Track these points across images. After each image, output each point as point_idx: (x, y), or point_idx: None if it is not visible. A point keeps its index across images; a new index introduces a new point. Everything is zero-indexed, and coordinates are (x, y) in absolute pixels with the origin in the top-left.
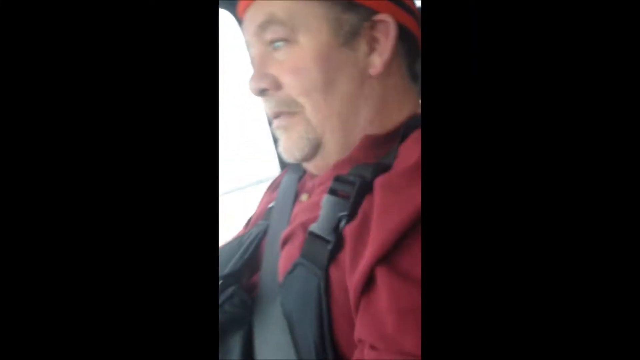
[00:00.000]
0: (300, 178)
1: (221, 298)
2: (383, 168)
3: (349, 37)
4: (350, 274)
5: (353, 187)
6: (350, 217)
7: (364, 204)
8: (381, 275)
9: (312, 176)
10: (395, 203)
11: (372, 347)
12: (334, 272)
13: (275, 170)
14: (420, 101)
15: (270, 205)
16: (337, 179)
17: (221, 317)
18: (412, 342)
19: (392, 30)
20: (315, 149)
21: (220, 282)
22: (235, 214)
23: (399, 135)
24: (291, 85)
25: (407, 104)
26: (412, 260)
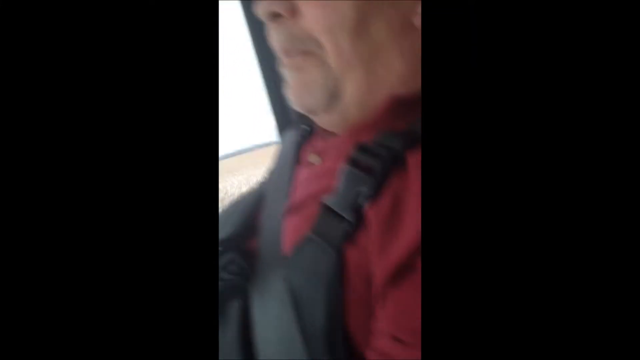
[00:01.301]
0: (306, 136)
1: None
2: (416, 137)
3: None
4: (379, 260)
5: (379, 161)
6: (374, 195)
7: (394, 182)
8: None
9: (323, 135)
10: None
11: (397, 340)
12: (351, 255)
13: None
14: None
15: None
16: (361, 148)
17: (220, 285)
18: None
19: None
20: (330, 99)
21: (219, 248)
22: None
23: None
24: (313, 17)
25: None
26: None
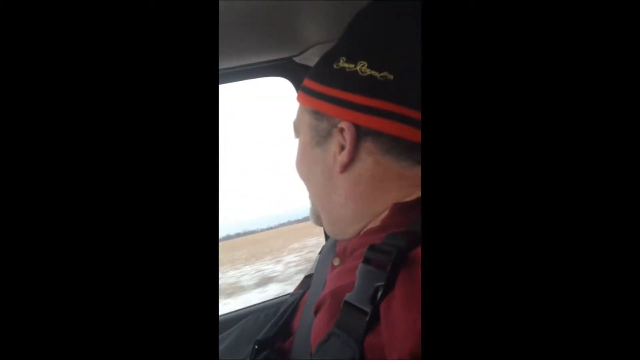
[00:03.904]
0: (335, 242)
1: None
2: (417, 237)
3: (321, 140)
4: (390, 350)
5: (389, 257)
6: (387, 287)
7: (402, 276)
8: None
9: (340, 241)
10: None
11: None
12: (369, 343)
13: None
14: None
15: (309, 273)
16: (372, 248)
17: None
18: None
19: (349, 136)
20: (318, 218)
21: (255, 346)
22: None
23: None
24: (297, 170)
25: (391, 191)
26: None
